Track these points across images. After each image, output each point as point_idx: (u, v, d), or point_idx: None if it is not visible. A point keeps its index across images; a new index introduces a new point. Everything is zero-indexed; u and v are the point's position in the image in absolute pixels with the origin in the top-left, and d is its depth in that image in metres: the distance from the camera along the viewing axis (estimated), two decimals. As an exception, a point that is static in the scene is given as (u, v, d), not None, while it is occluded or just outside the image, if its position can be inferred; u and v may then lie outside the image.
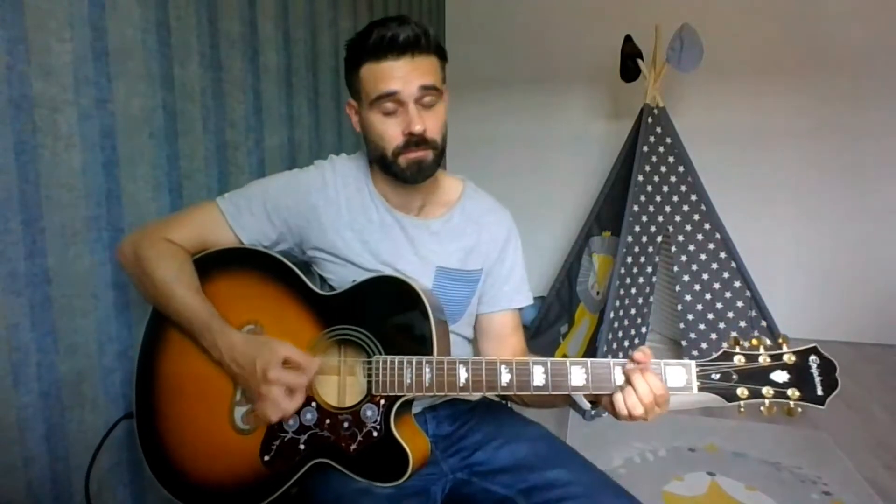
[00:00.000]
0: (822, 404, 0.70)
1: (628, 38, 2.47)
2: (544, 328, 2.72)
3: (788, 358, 0.71)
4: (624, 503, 0.80)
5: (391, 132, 0.86)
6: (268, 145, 1.67)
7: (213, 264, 0.93)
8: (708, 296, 2.32)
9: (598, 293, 2.48)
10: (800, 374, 0.70)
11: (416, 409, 0.95)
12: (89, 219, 1.09)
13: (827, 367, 0.70)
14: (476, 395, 1.04)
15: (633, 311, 2.28)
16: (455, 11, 3.39)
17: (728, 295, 2.32)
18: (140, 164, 1.20)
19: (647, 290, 2.33)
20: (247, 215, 0.94)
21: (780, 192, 3.00)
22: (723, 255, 2.32)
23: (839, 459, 1.82)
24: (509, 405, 1.10)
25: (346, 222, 0.94)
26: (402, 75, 0.83)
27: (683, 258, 2.34)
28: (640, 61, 2.42)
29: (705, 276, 2.33)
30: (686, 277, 2.34)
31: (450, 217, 0.99)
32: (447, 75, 0.93)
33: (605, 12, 3.10)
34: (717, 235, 2.33)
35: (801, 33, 2.88)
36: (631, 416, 0.73)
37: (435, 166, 0.89)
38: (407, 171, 0.88)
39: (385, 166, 0.90)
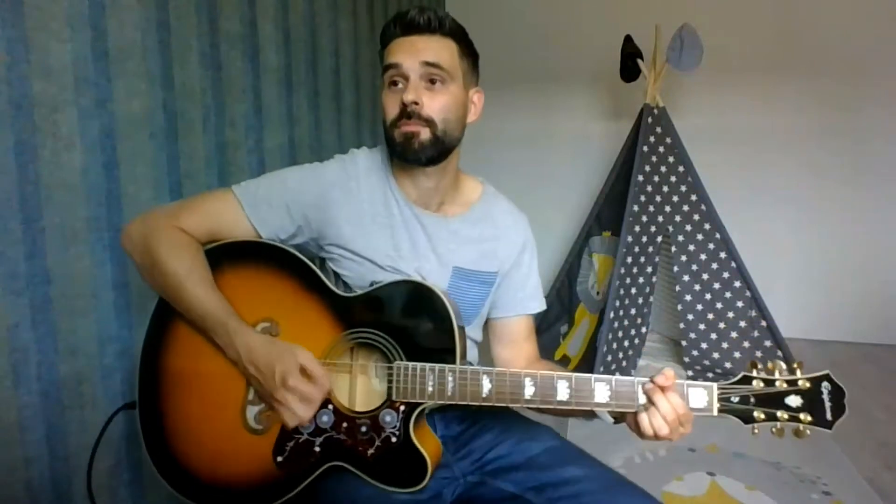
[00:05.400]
0: (830, 428, 0.75)
1: (628, 38, 2.46)
2: (544, 328, 2.71)
3: (803, 384, 0.74)
4: (640, 500, 0.79)
5: (391, 103, 0.87)
6: (268, 145, 1.67)
7: (225, 256, 0.89)
8: (708, 296, 2.32)
9: (598, 293, 2.48)
10: (812, 400, 0.74)
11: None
12: (89, 219, 1.09)
13: (837, 394, 0.74)
14: None
15: (633, 311, 2.28)
16: (454, 11, 3.38)
17: (728, 295, 2.32)
18: (140, 164, 1.20)
19: (647, 290, 2.33)
20: (265, 207, 0.89)
21: (780, 192, 3.00)
22: (723, 255, 2.32)
23: (839, 459, 1.82)
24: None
25: (369, 217, 0.91)
26: (406, 50, 0.86)
27: (683, 258, 2.34)
28: (640, 61, 2.42)
29: (705, 276, 2.33)
30: (686, 277, 2.34)
31: (469, 216, 0.97)
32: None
33: (605, 12, 3.10)
34: (717, 235, 2.32)
35: (802, 33, 2.88)
36: (657, 436, 0.74)
37: (431, 148, 0.86)
38: (399, 146, 0.86)
39: (389, 144, 0.90)
